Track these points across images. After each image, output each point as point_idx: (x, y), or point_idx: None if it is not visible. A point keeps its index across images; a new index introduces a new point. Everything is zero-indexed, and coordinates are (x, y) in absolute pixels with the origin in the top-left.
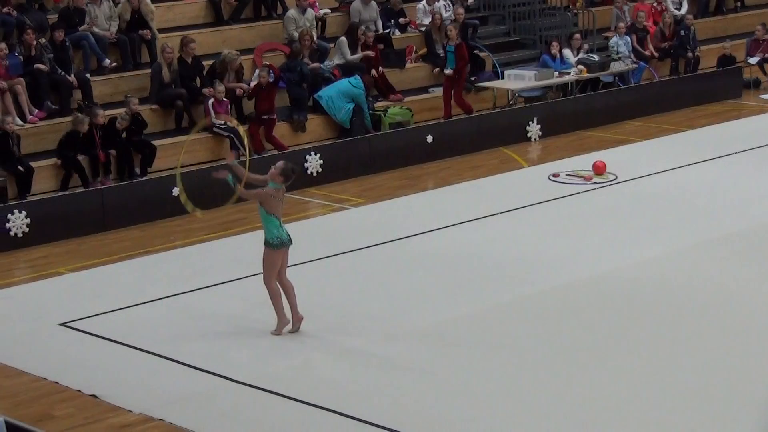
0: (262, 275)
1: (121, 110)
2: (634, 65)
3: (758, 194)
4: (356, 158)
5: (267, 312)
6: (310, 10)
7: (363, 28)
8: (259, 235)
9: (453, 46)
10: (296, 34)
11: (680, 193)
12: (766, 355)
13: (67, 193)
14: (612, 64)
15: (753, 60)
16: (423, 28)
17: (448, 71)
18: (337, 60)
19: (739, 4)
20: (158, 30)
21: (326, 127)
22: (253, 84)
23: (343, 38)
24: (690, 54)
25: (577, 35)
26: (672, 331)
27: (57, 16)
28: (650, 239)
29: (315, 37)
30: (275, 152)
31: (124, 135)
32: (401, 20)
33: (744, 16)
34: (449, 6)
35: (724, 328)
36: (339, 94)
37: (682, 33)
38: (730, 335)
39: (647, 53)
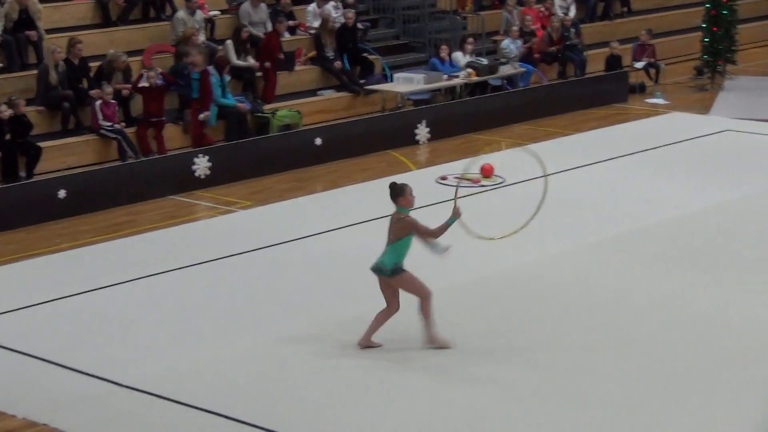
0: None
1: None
2: (523, 69)
3: (644, 197)
4: (245, 160)
5: (155, 313)
6: (199, 12)
7: (246, 29)
8: (148, 237)
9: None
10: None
11: (567, 195)
12: (650, 355)
13: None
14: (501, 67)
15: (639, 64)
16: (312, 31)
17: None
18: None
19: (625, 9)
20: (45, 31)
21: (215, 130)
22: (142, 85)
23: (229, 41)
24: (578, 57)
25: (470, 39)
26: (557, 332)
27: None
28: (537, 242)
29: (204, 39)
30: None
31: (8, 136)
32: (290, 23)
33: (630, 21)
34: (339, 8)
35: (610, 328)
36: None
37: (568, 36)
38: (615, 336)
39: (535, 57)
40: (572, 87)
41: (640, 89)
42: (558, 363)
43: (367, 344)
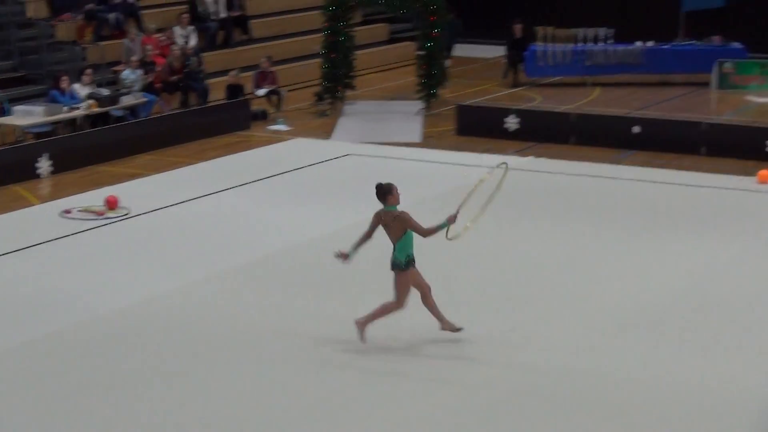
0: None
1: None
2: (144, 99)
3: (271, 223)
4: None
5: None
6: None
7: None
8: None
9: None
10: None
11: (193, 225)
12: (318, 384)
13: None
14: (122, 97)
15: (260, 92)
16: None
17: None
18: None
19: (245, 37)
20: None
21: None
22: None
23: None
24: (200, 86)
25: (89, 69)
26: (194, 366)
27: None
28: (164, 272)
29: None
30: None
31: None
32: None
33: (251, 48)
34: None
35: (243, 358)
36: None
37: (190, 65)
38: (250, 364)
39: (157, 86)
40: (195, 116)
41: (263, 116)
42: (176, 390)
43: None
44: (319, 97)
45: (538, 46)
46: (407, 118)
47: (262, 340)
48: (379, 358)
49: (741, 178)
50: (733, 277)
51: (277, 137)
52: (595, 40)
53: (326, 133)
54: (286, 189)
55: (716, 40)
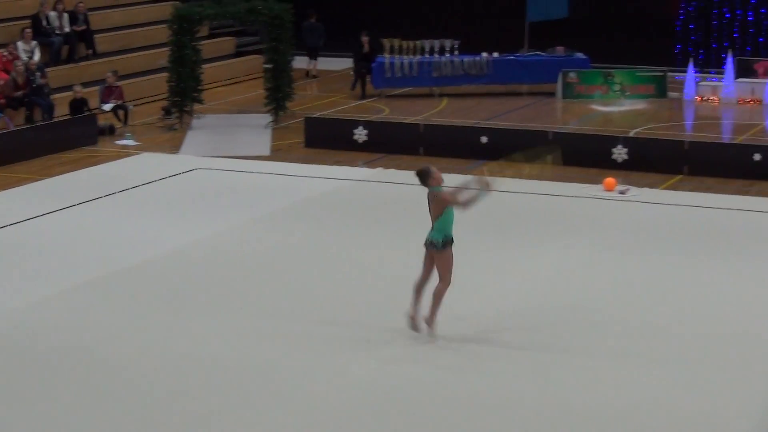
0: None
1: None
2: None
3: (120, 238)
4: None
5: None
6: None
7: None
8: None
9: None
10: None
11: (42, 242)
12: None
13: None
14: None
15: (107, 106)
16: None
17: None
18: None
19: (90, 51)
20: None
21: None
22: None
23: None
24: (45, 101)
25: None
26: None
27: None
28: (13, 290)
29: None
30: None
31: None
32: None
33: (96, 63)
34: None
35: (98, 374)
36: None
37: (34, 80)
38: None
39: (1, 102)
40: (40, 131)
41: (110, 131)
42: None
43: (429, 323)
44: (167, 112)
45: (385, 58)
46: (256, 131)
47: (112, 357)
48: (261, 374)
49: (587, 185)
50: (584, 281)
51: (125, 152)
52: (442, 51)
53: (174, 147)
54: (134, 204)
55: (560, 50)
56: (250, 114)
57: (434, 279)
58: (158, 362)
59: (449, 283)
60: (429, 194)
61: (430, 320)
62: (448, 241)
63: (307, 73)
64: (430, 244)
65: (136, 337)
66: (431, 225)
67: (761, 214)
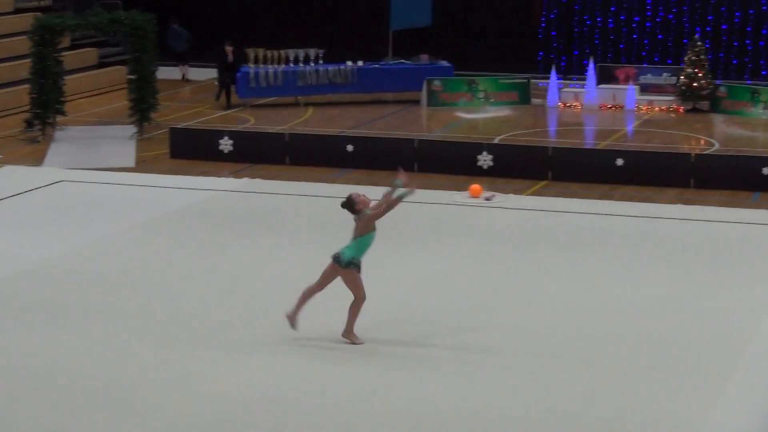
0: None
1: None
2: None
3: None
4: None
5: None
6: None
7: None
8: None
9: None
10: None
11: None
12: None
13: None
14: None
15: None
16: None
17: None
18: None
19: None
20: None
21: None
22: None
23: None
24: None
25: None
26: None
27: None
28: None
29: None
30: None
31: None
32: None
33: None
34: None
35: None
36: None
37: None
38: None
39: None
40: None
41: None
42: None
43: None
44: (29, 124)
45: (250, 67)
46: (120, 142)
47: None
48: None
49: (453, 192)
50: (452, 287)
51: None
52: (306, 60)
53: (37, 159)
54: None
55: (424, 58)
56: (115, 125)
57: (326, 291)
58: (12, 378)
59: (362, 298)
60: (355, 218)
61: (347, 333)
62: (353, 263)
63: (183, 77)
64: (336, 257)
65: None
66: (350, 240)
67: (624, 218)
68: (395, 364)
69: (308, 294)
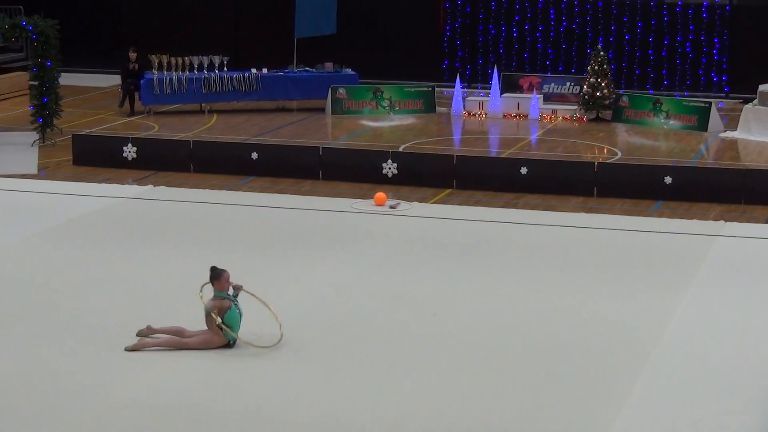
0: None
1: None
2: None
3: None
4: None
5: None
6: None
7: None
8: None
9: None
10: None
11: None
12: None
13: None
14: None
15: None
16: None
17: None
18: None
19: None
20: None
21: None
22: None
23: None
24: None
25: None
26: None
27: None
28: None
29: None
30: None
31: None
32: None
33: None
34: None
35: None
36: None
37: None
38: None
39: None
40: None
41: None
42: None
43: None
44: None
45: (154, 74)
46: (22, 149)
47: None
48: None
49: (358, 200)
50: (358, 295)
51: None
52: (211, 67)
53: None
54: None
55: (329, 66)
56: (16, 131)
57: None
58: None
59: (194, 348)
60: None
61: (146, 331)
62: (226, 331)
63: None
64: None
65: None
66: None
67: (528, 226)
68: (306, 370)
69: (169, 331)
